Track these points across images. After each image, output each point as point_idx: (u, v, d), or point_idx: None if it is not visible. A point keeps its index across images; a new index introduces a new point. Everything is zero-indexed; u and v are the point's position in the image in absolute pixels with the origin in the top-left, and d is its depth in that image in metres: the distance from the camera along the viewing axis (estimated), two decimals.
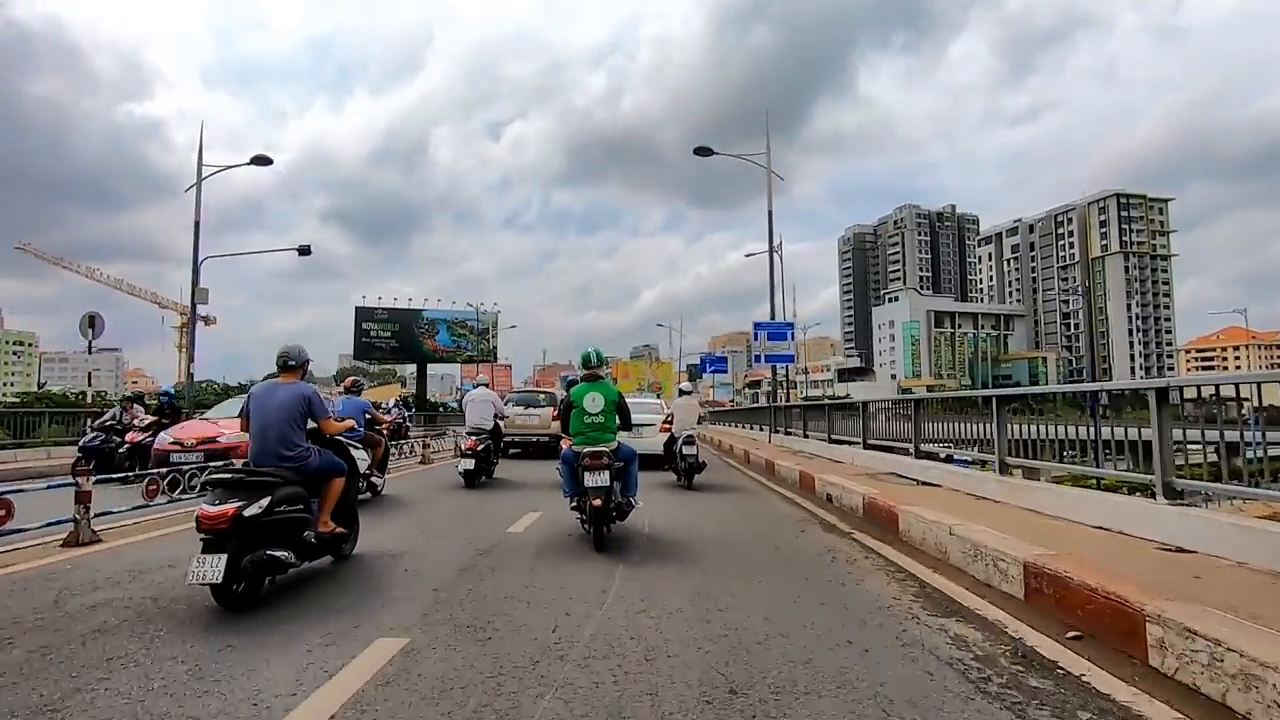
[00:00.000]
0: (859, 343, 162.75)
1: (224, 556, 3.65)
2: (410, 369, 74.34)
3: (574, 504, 5.98)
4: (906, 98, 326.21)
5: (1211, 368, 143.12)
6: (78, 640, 3.31)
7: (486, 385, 12.35)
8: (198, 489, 7.19)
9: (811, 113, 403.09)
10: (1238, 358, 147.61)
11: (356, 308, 64.34)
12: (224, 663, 3.03)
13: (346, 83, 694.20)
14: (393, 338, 65.00)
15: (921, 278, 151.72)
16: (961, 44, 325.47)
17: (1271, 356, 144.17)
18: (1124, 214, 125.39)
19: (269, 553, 3.90)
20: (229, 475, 4.08)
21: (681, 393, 12.27)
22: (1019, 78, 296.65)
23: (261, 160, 20.79)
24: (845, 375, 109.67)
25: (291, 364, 4.73)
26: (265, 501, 3.93)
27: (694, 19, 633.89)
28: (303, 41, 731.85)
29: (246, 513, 3.80)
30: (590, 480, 5.63)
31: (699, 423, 11.35)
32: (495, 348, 68.97)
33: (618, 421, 6.17)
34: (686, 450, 10.30)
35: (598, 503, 5.55)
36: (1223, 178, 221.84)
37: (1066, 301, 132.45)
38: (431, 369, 76.39)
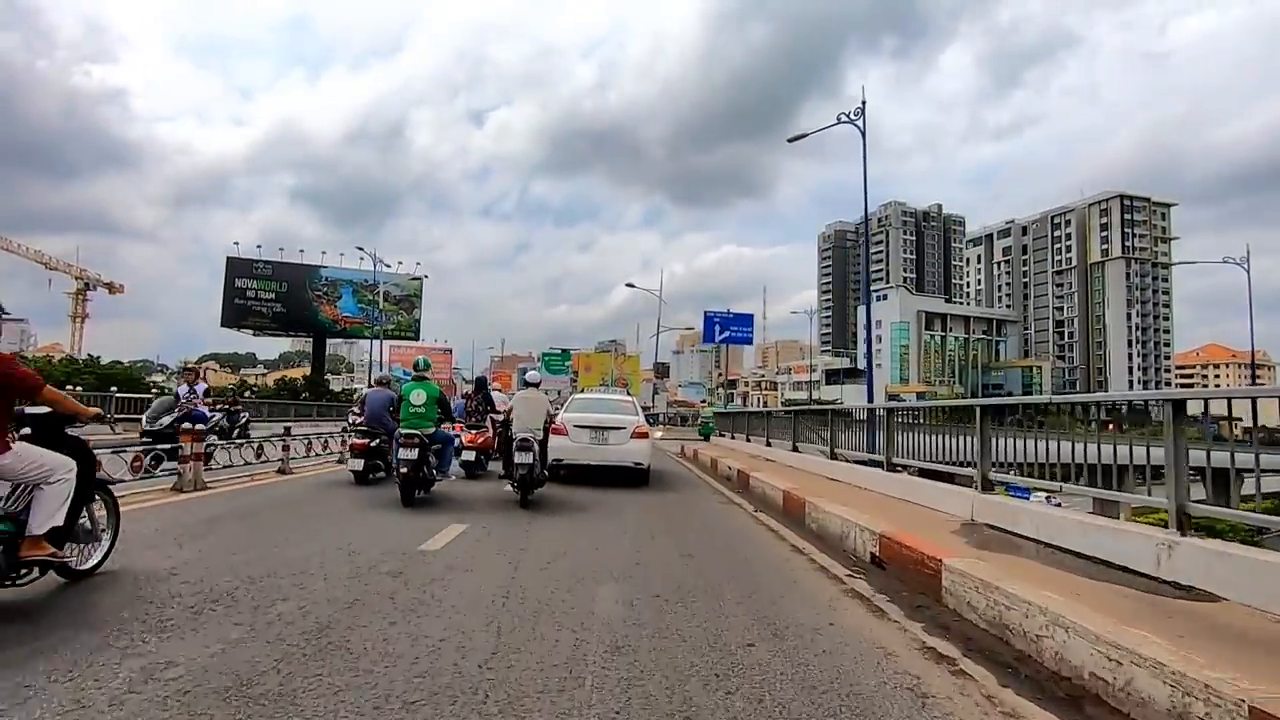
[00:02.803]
0: (836, 343, 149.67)
1: (362, 460, 8.80)
2: (299, 345, 56.73)
3: (396, 472, 7.41)
4: (893, 105, 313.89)
5: (1191, 386, 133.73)
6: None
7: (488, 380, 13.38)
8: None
9: (798, 114, 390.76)
10: (1218, 375, 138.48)
11: (228, 258, 46.97)
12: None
13: (325, 58, 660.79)
14: (278, 300, 47.81)
15: (905, 278, 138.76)
16: (951, 54, 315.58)
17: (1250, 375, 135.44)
18: (1127, 217, 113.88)
19: (378, 461, 9.04)
20: (365, 428, 9.14)
21: (526, 384, 8.82)
22: (1004, 91, 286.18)
23: None
24: (833, 377, 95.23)
25: (385, 381, 10.05)
26: (377, 441, 8.91)
27: (689, 14, 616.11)
28: (282, 12, 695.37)
29: (372, 444, 8.93)
30: (401, 454, 7.21)
31: (549, 422, 8.32)
32: (418, 320, 52.32)
33: (438, 412, 7.90)
34: (521, 458, 7.47)
35: (404, 470, 7.16)
36: (1185, 202, 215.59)
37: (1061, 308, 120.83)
38: (362, 354, 59.69)
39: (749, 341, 23.68)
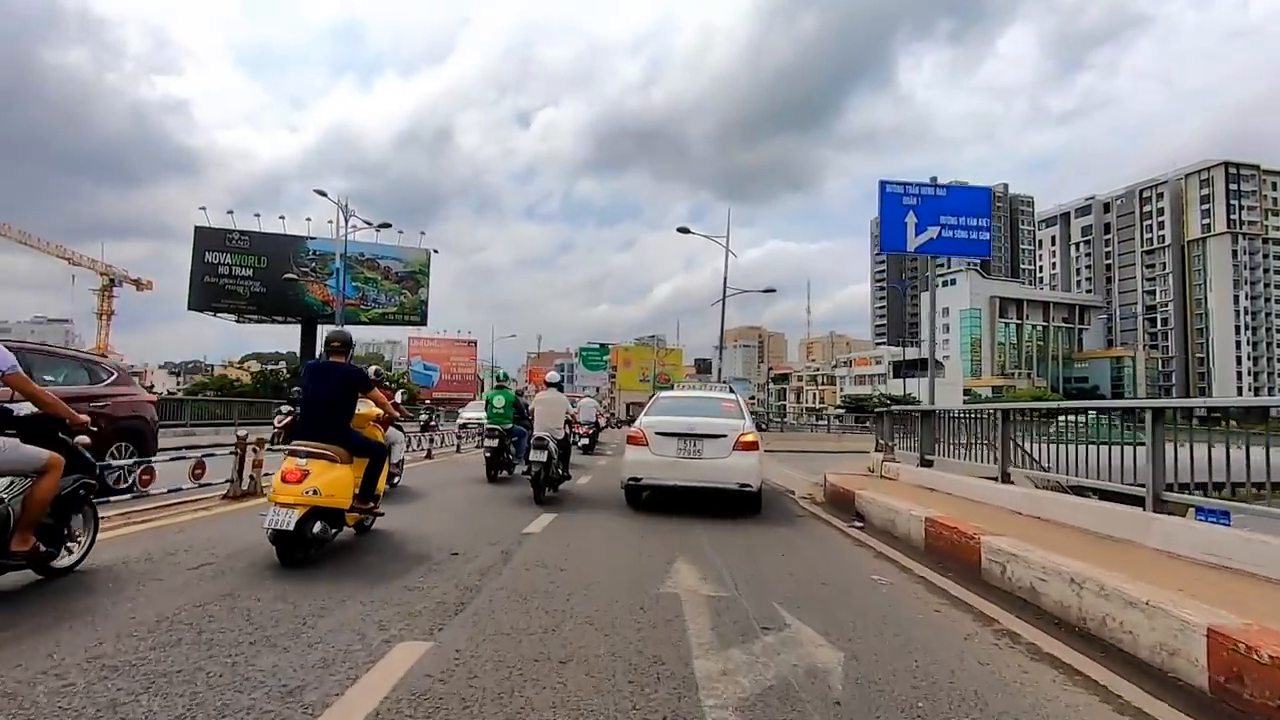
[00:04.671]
0: (892, 335, 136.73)
1: (496, 444, 9.48)
2: (285, 333, 47.66)
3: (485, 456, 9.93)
4: (948, 93, 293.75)
5: None
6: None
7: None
8: None
9: (845, 107, 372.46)
10: None
11: (196, 228, 38.51)
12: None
13: (377, 63, 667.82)
14: (255, 278, 39.10)
15: (969, 263, 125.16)
16: (1010, 37, 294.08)
17: None
18: (1232, 187, 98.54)
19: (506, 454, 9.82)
20: (495, 429, 9.56)
21: (548, 384, 9.01)
22: (1069, 75, 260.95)
23: None
24: (903, 369, 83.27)
25: (503, 379, 11.27)
26: (502, 434, 9.65)
27: (739, 6, 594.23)
28: (336, 19, 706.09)
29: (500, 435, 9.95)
30: (486, 442, 9.70)
31: (570, 421, 8.91)
32: (425, 301, 43.12)
33: (514, 412, 9.75)
34: (534, 455, 7.49)
35: (487, 454, 9.58)
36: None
37: (1152, 292, 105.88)
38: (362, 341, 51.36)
39: (983, 252, 12.27)
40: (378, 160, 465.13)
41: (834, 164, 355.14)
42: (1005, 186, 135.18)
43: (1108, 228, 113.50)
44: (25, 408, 3.43)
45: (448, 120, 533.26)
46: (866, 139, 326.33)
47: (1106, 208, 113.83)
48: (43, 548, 3.35)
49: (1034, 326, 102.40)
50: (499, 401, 9.62)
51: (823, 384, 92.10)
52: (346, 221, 27.53)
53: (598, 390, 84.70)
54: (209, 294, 38.51)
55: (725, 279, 21.98)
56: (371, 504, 4.73)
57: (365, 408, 4.99)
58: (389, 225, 27.70)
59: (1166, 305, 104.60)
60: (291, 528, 3.84)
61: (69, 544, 3.65)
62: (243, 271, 38.76)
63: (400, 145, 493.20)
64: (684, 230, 22.02)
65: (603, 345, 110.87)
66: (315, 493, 3.99)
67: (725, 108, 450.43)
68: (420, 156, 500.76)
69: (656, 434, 7.22)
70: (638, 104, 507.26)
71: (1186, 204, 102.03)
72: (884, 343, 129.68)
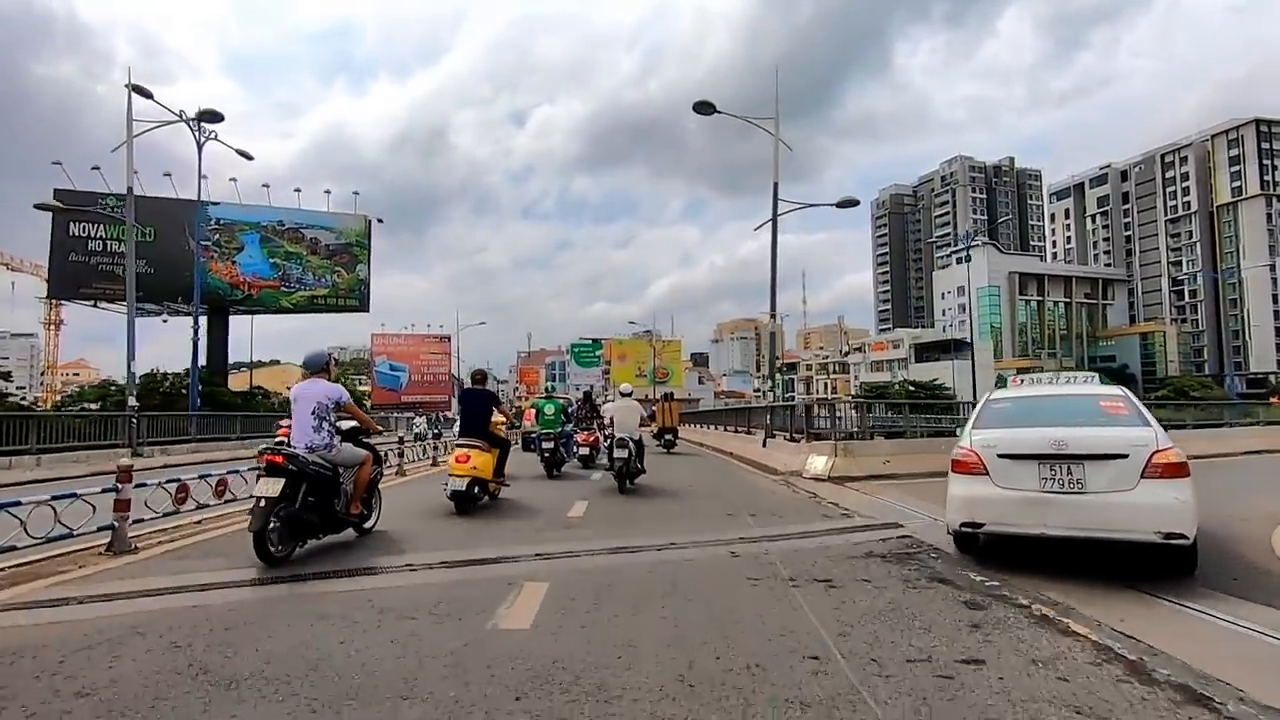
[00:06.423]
0: (896, 319, 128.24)
1: (552, 446, 11.15)
2: (173, 328, 38.17)
3: (541, 456, 11.25)
4: (945, 77, 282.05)
5: None
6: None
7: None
8: None
9: (842, 95, 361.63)
10: None
11: (56, 191, 29.30)
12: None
13: (369, 65, 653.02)
14: (140, 255, 30.13)
15: (983, 238, 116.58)
16: (1008, 17, 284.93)
17: None
18: (1264, 146, 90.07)
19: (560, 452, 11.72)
20: (549, 433, 11.25)
21: (622, 394, 10.43)
22: (1068, 54, 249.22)
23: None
24: (924, 353, 74.51)
25: (551, 391, 13.83)
26: (554, 438, 11.45)
27: None
28: (327, 21, 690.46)
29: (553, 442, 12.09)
30: (543, 445, 11.03)
31: (643, 424, 9.92)
32: (365, 281, 33.84)
33: (563, 418, 11.52)
34: (618, 453, 8.96)
35: (547, 455, 10.93)
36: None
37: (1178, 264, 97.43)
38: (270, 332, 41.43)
39: None
40: (373, 163, 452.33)
41: (832, 153, 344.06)
42: (1011, 160, 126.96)
43: (1126, 197, 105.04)
44: (348, 422, 5.59)
45: (443, 120, 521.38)
46: (864, 126, 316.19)
47: (1124, 176, 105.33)
48: (364, 512, 5.57)
49: (1055, 303, 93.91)
50: (549, 409, 11.48)
51: (834, 372, 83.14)
52: (201, 148, 18.33)
53: (590, 389, 75.23)
54: (75, 277, 29.20)
55: (775, 184, 13.05)
56: (501, 479, 7.83)
57: (496, 417, 8.00)
58: (221, 117, 18.37)
59: (1195, 277, 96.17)
60: (463, 489, 6.86)
61: (373, 512, 5.93)
62: (121, 247, 29.41)
63: (395, 147, 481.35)
64: (707, 108, 13.12)
65: (595, 340, 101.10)
66: (475, 469, 6.96)
67: (722, 99, 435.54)
68: (416, 158, 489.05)
69: (999, 456, 4.43)
70: (633, 98, 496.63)
71: (1214, 167, 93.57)
72: (887, 328, 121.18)
